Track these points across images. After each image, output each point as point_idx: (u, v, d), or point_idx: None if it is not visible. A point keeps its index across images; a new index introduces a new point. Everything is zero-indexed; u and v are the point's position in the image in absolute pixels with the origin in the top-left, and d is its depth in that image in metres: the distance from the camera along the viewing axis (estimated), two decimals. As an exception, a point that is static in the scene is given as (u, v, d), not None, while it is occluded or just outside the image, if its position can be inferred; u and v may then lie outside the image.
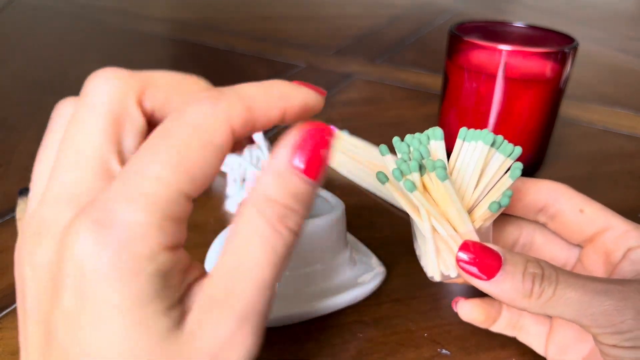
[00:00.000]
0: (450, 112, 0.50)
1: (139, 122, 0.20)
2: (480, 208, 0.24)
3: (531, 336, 0.29)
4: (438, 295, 0.36)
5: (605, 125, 0.65)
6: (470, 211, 0.24)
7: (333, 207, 0.33)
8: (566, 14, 1.30)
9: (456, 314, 0.34)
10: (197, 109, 0.17)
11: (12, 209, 0.42)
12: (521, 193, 0.27)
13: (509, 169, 0.24)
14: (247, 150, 0.50)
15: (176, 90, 0.21)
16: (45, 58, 0.82)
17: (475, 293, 0.27)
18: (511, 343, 0.32)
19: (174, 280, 0.17)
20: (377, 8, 1.26)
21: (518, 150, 0.24)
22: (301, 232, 0.19)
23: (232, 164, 0.48)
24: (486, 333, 0.33)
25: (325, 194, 0.35)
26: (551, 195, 0.27)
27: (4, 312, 0.32)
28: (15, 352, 0.30)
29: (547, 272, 0.22)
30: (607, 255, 0.26)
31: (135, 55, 0.85)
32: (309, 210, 0.19)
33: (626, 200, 0.49)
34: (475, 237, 0.24)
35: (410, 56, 0.90)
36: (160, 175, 0.16)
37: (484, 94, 0.46)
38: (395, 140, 0.24)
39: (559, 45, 0.48)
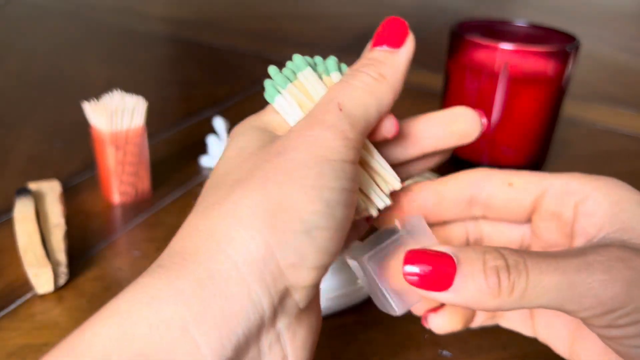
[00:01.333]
0: (452, 112, 0.50)
1: None
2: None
3: (513, 320, 0.26)
4: (439, 296, 0.35)
5: (607, 125, 0.65)
6: None
7: None
8: (568, 13, 1.29)
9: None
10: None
11: (10, 209, 0.41)
12: (441, 194, 0.24)
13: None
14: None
15: None
16: (43, 57, 0.82)
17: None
18: (512, 344, 0.32)
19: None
20: (377, 7, 1.26)
21: (333, 58, 0.24)
22: (382, 87, 0.22)
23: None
24: (487, 334, 0.32)
25: None
26: (472, 183, 0.24)
27: (2, 313, 0.32)
28: (13, 353, 0.29)
29: (511, 260, 0.19)
30: (558, 220, 0.23)
31: (135, 54, 0.85)
32: (394, 70, 0.22)
33: (628, 200, 0.48)
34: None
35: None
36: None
37: (485, 93, 0.46)
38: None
39: (561, 44, 0.47)
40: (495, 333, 0.32)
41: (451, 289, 0.19)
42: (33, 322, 0.31)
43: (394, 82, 0.22)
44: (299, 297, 0.19)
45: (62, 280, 0.34)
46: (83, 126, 0.44)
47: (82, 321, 0.33)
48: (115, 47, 0.89)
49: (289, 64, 0.23)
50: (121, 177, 0.42)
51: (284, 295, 0.18)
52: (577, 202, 0.22)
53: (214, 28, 1.00)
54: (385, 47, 0.22)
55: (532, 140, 0.48)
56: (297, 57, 0.23)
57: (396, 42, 0.22)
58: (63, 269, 0.34)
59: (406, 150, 0.24)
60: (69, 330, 0.32)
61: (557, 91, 0.46)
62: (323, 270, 0.19)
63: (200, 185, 0.48)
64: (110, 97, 0.41)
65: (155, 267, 0.18)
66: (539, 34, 0.51)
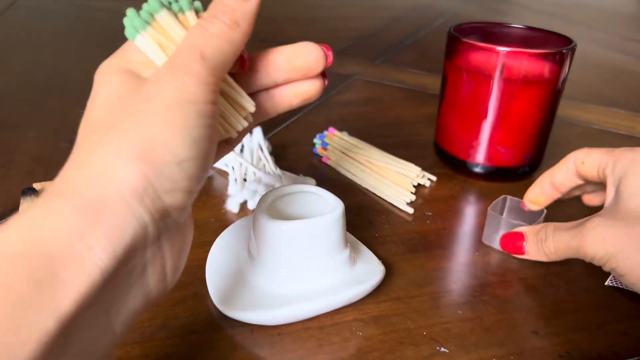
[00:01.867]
0: (449, 113, 0.50)
1: None
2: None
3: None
4: (437, 294, 0.36)
5: (603, 126, 0.66)
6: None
7: (333, 207, 0.34)
8: (564, 15, 1.30)
9: (455, 313, 0.34)
10: None
11: (15, 209, 0.42)
12: (554, 178, 0.38)
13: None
14: (247, 151, 0.51)
15: None
16: (46, 59, 0.83)
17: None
18: (509, 341, 0.32)
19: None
20: (376, 10, 1.27)
21: None
22: (234, 32, 0.24)
23: (233, 164, 0.49)
24: (485, 332, 0.33)
25: (325, 193, 0.35)
26: (574, 160, 0.37)
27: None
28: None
29: (548, 233, 0.35)
30: (603, 182, 0.35)
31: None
32: (246, 14, 0.25)
33: (624, 200, 0.49)
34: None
35: (410, 57, 0.91)
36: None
37: (482, 94, 0.46)
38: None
39: (557, 46, 0.48)
40: (492, 330, 0.33)
41: (525, 254, 0.37)
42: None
43: (245, 27, 0.25)
44: (176, 215, 0.23)
45: (67, 278, 0.35)
46: (86, 127, 0.45)
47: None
48: (118, 48, 0.89)
49: (144, 6, 0.24)
50: (124, 178, 0.43)
51: (163, 215, 0.22)
52: (599, 169, 0.35)
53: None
54: None
55: (529, 141, 0.48)
56: (152, 0, 0.24)
57: None
58: (67, 268, 0.35)
59: (260, 81, 0.28)
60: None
61: (553, 92, 0.47)
62: (194, 193, 0.23)
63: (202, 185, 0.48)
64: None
65: (54, 190, 0.21)
66: (535, 36, 0.51)
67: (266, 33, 1.00)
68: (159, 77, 0.23)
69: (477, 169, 0.50)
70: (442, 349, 0.31)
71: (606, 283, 0.37)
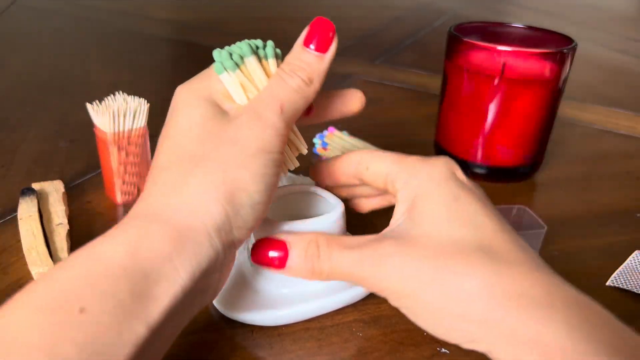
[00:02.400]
0: (450, 113, 0.50)
1: None
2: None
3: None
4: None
5: (603, 126, 0.66)
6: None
7: (333, 207, 0.34)
8: (565, 15, 1.30)
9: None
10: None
11: (14, 208, 0.42)
12: (335, 168, 0.33)
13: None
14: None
15: None
16: (47, 59, 0.82)
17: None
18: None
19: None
20: (376, 9, 1.27)
21: (270, 45, 0.29)
22: (309, 91, 0.28)
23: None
24: (485, 332, 0.33)
25: (325, 194, 0.35)
26: (354, 162, 0.32)
27: (6, 311, 0.33)
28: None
29: (322, 250, 0.27)
30: (387, 192, 0.31)
31: (137, 56, 0.86)
32: (319, 74, 0.29)
33: (624, 200, 0.49)
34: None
35: (410, 57, 0.90)
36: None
37: (483, 94, 0.46)
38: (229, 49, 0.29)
39: (557, 46, 0.48)
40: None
41: (286, 267, 0.28)
42: (37, 320, 0.32)
43: (317, 84, 0.29)
44: (237, 246, 0.27)
45: (66, 278, 0.35)
46: (86, 127, 0.45)
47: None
48: (118, 49, 0.90)
49: (235, 48, 0.28)
50: (124, 178, 0.43)
51: (231, 246, 0.26)
52: (387, 174, 0.30)
53: (216, 30, 1.01)
54: (314, 51, 0.29)
55: (529, 141, 0.48)
56: (244, 45, 0.28)
57: (323, 47, 0.29)
58: (67, 268, 0.35)
59: (312, 120, 0.32)
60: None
61: (553, 92, 0.47)
62: (254, 229, 0.27)
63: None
64: (114, 99, 0.42)
65: (149, 213, 0.24)
66: (536, 36, 0.51)
67: (266, 33, 1.00)
68: (243, 123, 0.26)
69: (478, 169, 0.50)
70: (443, 350, 0.31)
71: (607, 283, 0.37)
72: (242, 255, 0.36)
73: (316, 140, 0.54)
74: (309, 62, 0.28)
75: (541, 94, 0.46)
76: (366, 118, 0.64)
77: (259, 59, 0.28)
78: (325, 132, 0.55)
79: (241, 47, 0.28)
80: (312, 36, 0.29)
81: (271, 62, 0.28)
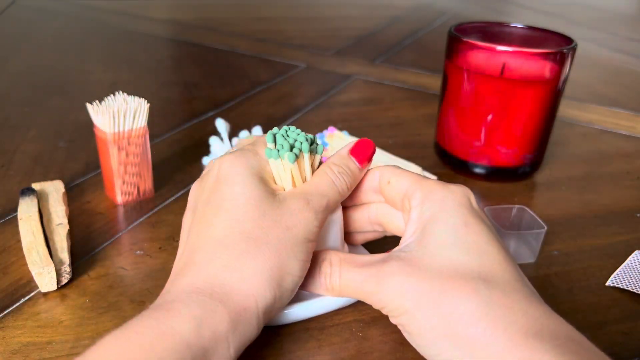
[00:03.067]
0: (450, 113, 0.50)
1: None
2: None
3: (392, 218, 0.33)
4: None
5: (603, 126, 0.66)
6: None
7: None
8: (565, 15, 1.30)
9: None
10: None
11: (14, 208, 0.42)
12: (359, 181, 0.33)
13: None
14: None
15: None
16: (46, 59, 0.82)
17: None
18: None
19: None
20: (376, 9, 1.27)
21: (317, 140, 0.32)
22: (347, 193, 0.32)
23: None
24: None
25: None
26: (379, 177, 0.33)
27: (6, 312, 0.33)
28: (17, 351, 0.30)
29: (334, 269, 0.29)
30: (402, 211, 0.32)
31: (137, 56, 0.86)
32: (355, 182, 0.32)
33: (624, 200, 0.49)
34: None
35: (410, 57, 0.90)
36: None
37: (483, 94, 0.46)
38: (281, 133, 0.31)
39: (557, 46, 0.48)
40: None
41: (302, 285, 0.30)
42: (36, 321, 0.32)
43: (352, 188, 0.32)
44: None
45: (65, 279, 0.35)
46: (86, 127, 0.45)
47: (85, 319, 0.33)
48: (118, 49, 0.90)
49: (292, 139, 0.30)
50: (124, 178, 0.43)
51: (266, 322, 0.28)
52: (405, 196, 0.31)
53: (216, 30, 1.01)
54: (356, 162, 0.32)
55: (529, 141, 0.48)
56: (304, 140, 0.30)
57: (363, 161, 0.32)
58: (66, 268, 0.35)
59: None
60: (72, 328, 0.32)
61: (553, 92, 0.47)
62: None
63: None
64: (114, 99, 0.42)
65: (209, 295, 0.26)
66: (536, 36, 0.51)
67: (266, 33, 1.00)
68: (296, 211, 0.29)
69: (478, 169, 0.50)
70: (443, 350, 0.31)
71: (607, 283, 0.37)
72: None
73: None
74: (353, 170, 0.32)
75: (541, 94, 0.46)
76: (366, 118, 0.65)
77: (310, 153, 0.31)
78: (326, 132, 0.55)
79: (301, 141, 0.30)
80: (358, 149, 0.32)
81: (317, 158, 0.32)
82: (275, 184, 0.30)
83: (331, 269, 0.30)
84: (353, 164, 0.32)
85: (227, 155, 0.31)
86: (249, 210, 0.28)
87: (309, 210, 0.29)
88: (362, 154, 0.32)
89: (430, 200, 0.29)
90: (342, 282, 0.29)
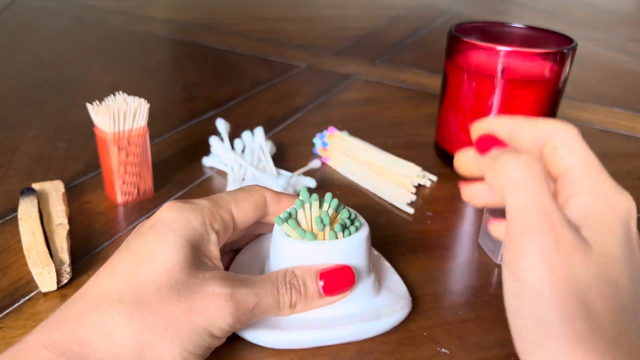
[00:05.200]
0: (450, 113, 0.50)
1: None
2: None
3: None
4: (438, 294, 0.36)
5: (604, 125, 0.66)
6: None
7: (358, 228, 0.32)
8: (565, 15, 1.30)
9: (455, 313, 0.34)
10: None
11: (14, 209, 0.42)
12: (523, 131, 0.25)
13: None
14: (248, 151, 0.51)
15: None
16: (46, 59, 0.82)
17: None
18: (510, 342, 0.32)
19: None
20: (376, 9, 1.27)
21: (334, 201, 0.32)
22: (287, 312, 0.30)
23: (233, 164, 0.49)
24: (485, 332, 0.33)
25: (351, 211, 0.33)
26: (549, 135, 0.25)
27: (6, 312, 0.33)
28: (17, 351, 0.30)
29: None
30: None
31: (137, 56, 0.86)
32: (307, 307, 0.30)
33: (625, 200, 0.49)
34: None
35: (410, 57, 0.90)
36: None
37: (483, 94, 0.46)
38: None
39: (558, 46, 0.48)
40: (493, 331, 0.33)
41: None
42: (37, 320, 0.32)
43: (299, 310, 0.30)
44: None
45: (66, 279, 0.35)
46: (87, 127, 0.45)
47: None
48: (118, 49, 0.89)
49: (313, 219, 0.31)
50: (124, 178, 0.43)
51: None
52: (570, 194, 0.23)
53: (216, 30, 1.01)
54: (321, 288, 0.29)
55: (530, 141, 0.48)
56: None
57: (331, 290, 0.30)
58: (66, 268, 0.35)
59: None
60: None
61: (553, 92, 0.47)
62: None
63: (202, 185, 0.48)
64: (114, 99, 0.42)
65: (56, 354, 0.23)
66: (536, 36, 0.51)
67: (266, 33, 1.00)
68: (211, 296, 0.26)
69: (478, 169, 0.50)
70: (443, 350, 0.31)
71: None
72: (259, 269, 0.35)
73: (316, 140, 0.54)
74: (309, 293, 0.29)
75: (541, 94, 0.46)
76: (366, 118, 0.65)
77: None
78: (325, 132, 0.55)
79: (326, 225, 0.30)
80: (332, 277, 0.29)
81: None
82: (211, 259, 0.28)
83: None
84: (314, 287, 0.29)
85: (176, 206, 0.28)
86: (159, 274, 0.25)
87: (227, 303, 0.26)
88: (335, 284, 0.29)
89: (605, 207, 0.22)
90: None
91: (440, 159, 0.53)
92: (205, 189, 0.48)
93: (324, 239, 0.31)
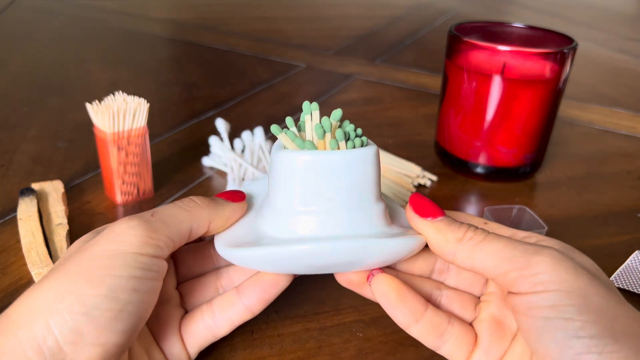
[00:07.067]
0: (450, 112, 0.50)
1: None
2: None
3: (453, 346, 0.27)
4: (437, 294, 0.36)
5: (604, 125, 0.66)
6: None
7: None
8: (565, 15, 1.30)
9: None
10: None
11: (13, 208, 0.42)
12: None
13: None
14: (248, 151, 0.51)
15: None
16: (46, 58, 0.82)
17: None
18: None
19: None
20: (376, 9, 1.27)
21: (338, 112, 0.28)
22: (202, 216, 0.28)
23: (232, 164, 0.49)
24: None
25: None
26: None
27: (6, 312, 0.33)
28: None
29: (479, 229, 0.26)
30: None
31: (137, 56, 0.86)
32: (219, 215, 0.28)
33: (625, 200, 0.49)
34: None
35: (410, 56, 0.90)
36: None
37: (483, 94, 0.46)
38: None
39: (558, 45, 0.48)
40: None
41: (435, 220, 0.26)
42: (37, 320, 0.32)
43: (218, 221, 0.28)
44: None
45: (66, 279, 0.35)
46: (86, 127, 0.45)
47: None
48: (118, 49, 0.89)
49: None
50: (124, 177, 0.43)
51: None
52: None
53: (216, 30, 1.01)
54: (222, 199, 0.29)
55: (530, 141, 0.48)
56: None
57: (234, 198, 0.29)
58: (66, 268, 0.35)
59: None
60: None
61: (554, 92, 0.47)
62: (112, 345, 0.22)
63: (202, 185, 0.48)
64: (113, 99, 0.42)
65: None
66: (536, 36, 0.51)
67: (266, 33, 1.00)
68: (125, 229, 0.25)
69: (478, 169, 0.50)
70: (443, 350, 0.31)
71: (607, 283, 0.37)
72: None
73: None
74: (201, 202, 0.28)
75: (541, 94, 0.46)
76: (366, 118, 0.64)
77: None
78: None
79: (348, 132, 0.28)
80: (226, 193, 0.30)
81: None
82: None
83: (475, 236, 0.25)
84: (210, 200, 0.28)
85: (129, 223, 0.25)
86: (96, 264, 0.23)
87: (119, 223, 0.24)
88: (232, 194, 0.29)
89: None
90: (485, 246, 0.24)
91: (440, 159, 0.53)
92: (205, 188, 0.47)
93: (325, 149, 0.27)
